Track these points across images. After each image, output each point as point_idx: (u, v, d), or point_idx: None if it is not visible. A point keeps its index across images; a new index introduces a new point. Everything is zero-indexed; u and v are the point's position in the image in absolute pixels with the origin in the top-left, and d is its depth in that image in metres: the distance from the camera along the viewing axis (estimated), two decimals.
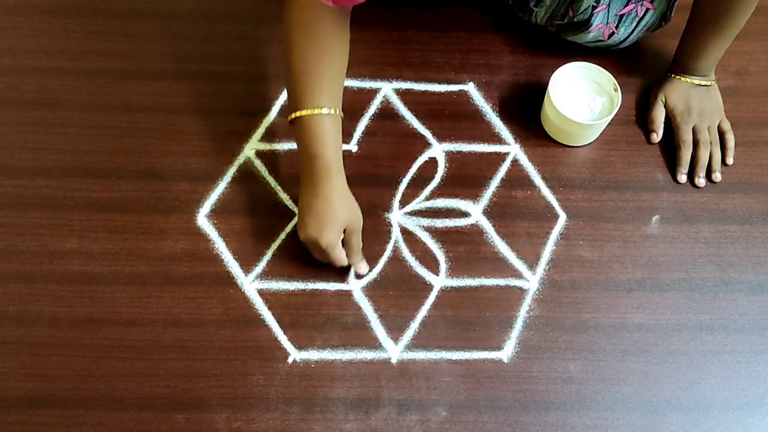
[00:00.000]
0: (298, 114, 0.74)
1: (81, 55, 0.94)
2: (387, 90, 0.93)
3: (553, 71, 0.86)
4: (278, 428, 0.74)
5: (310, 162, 0.75)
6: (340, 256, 0.78)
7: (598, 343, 0.79)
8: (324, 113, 0.74)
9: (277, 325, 0.79)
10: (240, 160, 0.88)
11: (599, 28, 0.87)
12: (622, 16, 0.86)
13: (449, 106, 0.93)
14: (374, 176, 0.87)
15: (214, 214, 0.84)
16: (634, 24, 0.88)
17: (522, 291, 0.82)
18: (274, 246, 0.83)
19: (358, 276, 0.81)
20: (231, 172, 0.87)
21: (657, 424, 0.76)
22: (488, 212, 0.86)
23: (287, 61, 0.75)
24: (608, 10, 0.86)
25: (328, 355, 0.78)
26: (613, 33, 0.88)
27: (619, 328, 0.80)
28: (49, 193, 0.85)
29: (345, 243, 0.78)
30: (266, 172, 0.87)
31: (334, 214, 0.76)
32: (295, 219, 0.84)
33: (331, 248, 0.76)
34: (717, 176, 0.89)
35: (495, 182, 0.88)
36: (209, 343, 0.77)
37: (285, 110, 0.75)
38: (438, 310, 0.80)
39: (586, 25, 0.87)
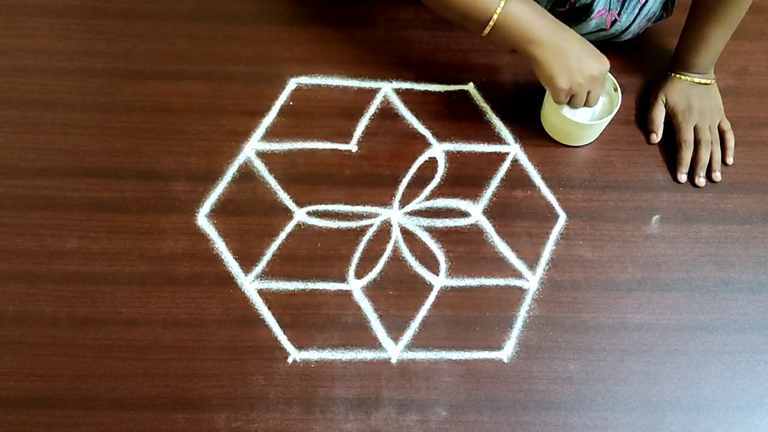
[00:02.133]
0: (494, 20, 0.75)
1: (81, 55, 0.94)
2: (387, 90, 0.93)
3: None
4: (278, 428, 0.74)
5: (536, 35, 0.76)
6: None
7: (598, 343, 0.79)
8: (507, 2, 0.75)
9: (277, 325, 0.79)
10: (240, 160, 0.88)
11: (601, 14, 0.86)
12: (624, 2, 0.86)
13: (449, 106, 0.93)
14: (374, 176, 0.88)
15: (214, 214, 0.84)
16: (636, 11, 0.87)
17: (522, 291, 0.82)
18: (274, 246, 0.83)
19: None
20: (231, 172, 0.87)
21: (657, 424, 0.76)
22: (488, 212, 0.86)
23: None
24: None
25: (328, 355, 0.78)
26: (615, 21, 0.88)
27: (619, 328, 0.80)
28: (49, 193, 0.85)
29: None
30: (266, 172, 0.87)
31: (589, 47, 0.79)
32: (294, 220, 0.84)
33: (607, 65, 0.80)
34: (717, 176, 0.89)
35: (495, 182, 0.88)
36: (209, 343, 0.78)
37: (474, 26, 0.77)
38: (438, 310, 0.80)
39: (587, 11, 0.86)
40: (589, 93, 0.81)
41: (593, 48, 0.80)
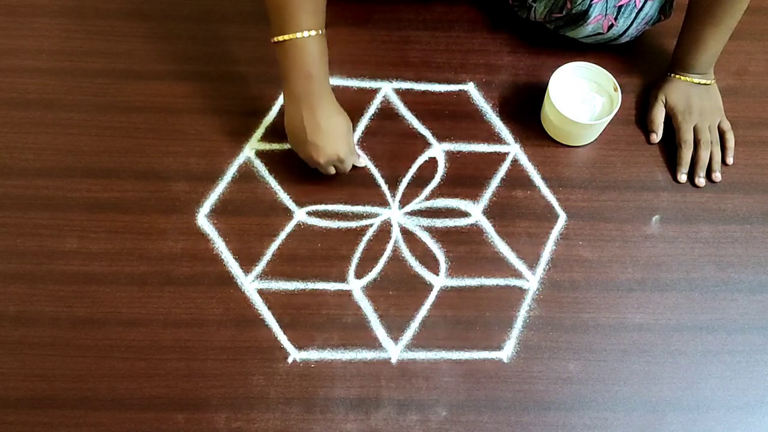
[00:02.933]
0: (286, 37, 0.74)
1: (81, 55, 0.94)
2: (387, 90, 0.93)
3: (553, 71, 0.86)
4: (278, 428, 0.74)
5: (305, 83, 0.76)
6: (355, 159, 0.84)
7: (598, 343, 0.79)
8: (313, 35, 0.74)
9: (277, 325, 0.79)
10: (240, 160, 0.88)
11: (598, 19, 0.87)
12: (620, 7, 0.86)
13: (449, 106, 0.93)
14: (374, 176, 0.87)
15: (214, 214, 0.84)
16: (633, 16, 0.87)
17: (522, 291, 0.82)
18: (274, 246, 0.83)
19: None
20: (231, 172, 0.87)
21: (657, 424, 0.76)
22: (488, 212, 0.86)
23: None
24: (606, 1, 0.86)
25: (328, 355, 0.78)
26: (612, 25, 0.88)
27: (619, 328, 0.80)
28: (49, 193, 0.85)
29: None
30: (266, 172, 0.87)
31: (345, 126, 0.80)
32: (294, 220, 0.84)
33: (350, 156, 0.81)
34: (717, 176, 0.89)
35: (495, 182, 0.88)
36: (209, 343, 0.78)
37: (272, 30, 0.75)
38: (438, 310, 0.80)
39: (584, 16, 0.86)
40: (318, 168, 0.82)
41: (337, 129, 0.79)
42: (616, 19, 0.87)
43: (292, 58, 0.75)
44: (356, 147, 0.85)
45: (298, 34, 0.73)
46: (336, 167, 0.82)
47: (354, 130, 0.90)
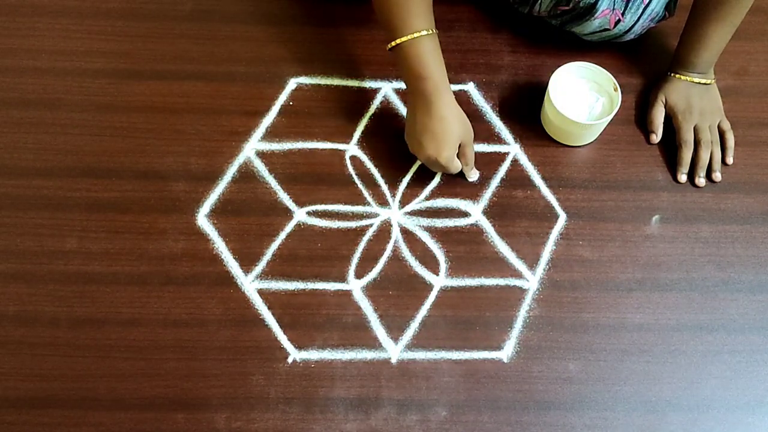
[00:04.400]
0: (398, 42, 0.77)
1: (81, 55, 0.94)
2: (387, 90, 0.93)
3: (553, 71, 0.86)
4: (278, 428, 0.74)
5: (419, 84, 0.78)
6: (457, 167, 0.83)
7: (598, 343, 0.79)
8: (422, 35, 0.76)
9: (277, 325, 0.79)
10: (240, 160, 0.88)
11: (605, 14, 0.86)
12: (628, 2, 0.86)
13: None
14: (374, 176, 0.88)
15: (214, 214, 0.84)
16: (640, 11, 0.87)
17: (522, 291, 0.82)
18: (274, 246, 0.83)
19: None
20: (231, 172, 0.87)
21: (657, 424, 0.76)
22: (488, 212, 0.86)
23: None
24: None
25: (328, 355, 0.78)
26: (618, 21, 0.88)
27: (619, 328, 0.80)
28: (49, 193, 0.85)
29: (460, 155, 0.83)
30: (266, 172, 0.87)
31: (450, 131, 0.79)
32: (294, 220, 0.84)
33: (449, 163, 0.81)
34: (717, 176, 0.89)
35: (495, 182, 0.88)
36: (209, 343, 0.78)
37: (383, 38, 0.79)
38: (438, 310, 0.80)
39: (591, 11, 0.86)
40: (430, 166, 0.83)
41: (450, 132, 0.79)
42: (623, 14, 0.87)
43: (405, 59, 0.78)
44: (472, 167, 0.86)
45: (409, 36, 0.76)
46: (437, 168, 0.83)
47: (354, 130, 0.90)
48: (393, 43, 0.78)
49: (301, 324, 0.79)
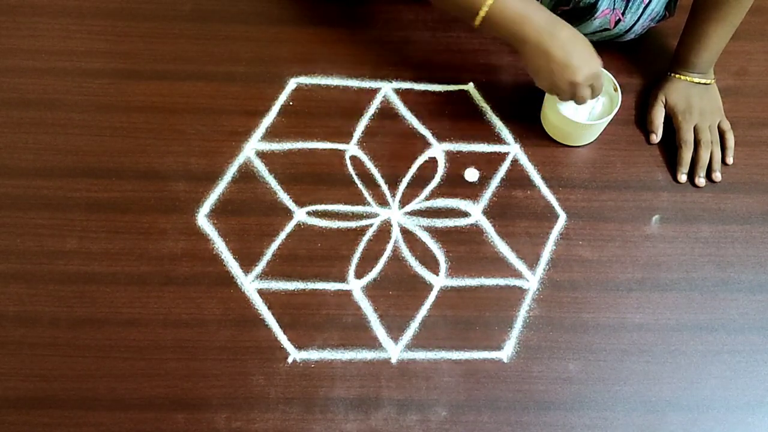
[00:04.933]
0: (485, 11, 0.75)
1: (81, 55, 0.94)
2: (387, 90, 0.93)
3: None
4: (278, 428, 0.74)
5: (527, 28, 0.75)
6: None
7: (598, 343, 0.79)
8: None
9: (277, 325, 0.79)
10: (240, 160, 0.88)
11: (605, 14, 0.86)
12: (628, 2, 0.86)
13: (449, 106, 0.93)
14: (374, 176, 0.88)
15: (214, 214, 0.84)
16: (640, 11, 0.87)
17: (522, 291, 0.82)
18: (274, 246, 0.83)
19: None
20: (231, 172, 0.87)
21: (657, 424, 0.76)
22: (488, 212, 0.86)
23: None
24: None
25: (328, 355, 0.78)
26: (619, 20, 0.88)
27: (619, 328, 0.80)
28: (49, 193, 0.85)
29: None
30: (266, 172, 0.87)
31: (588, 44, 0.78)
32: (294, 220, 0.84)
33: (599, 76, 0.79)
34: (717, 176, 0.89)
35: (495, 182, 0.88)
36: (209, 343, 0.78)
37: (467, 16, 0.78)
38: (438, 310, 0.80)
39: (591, 11, 0.86)
40: (576, 93, 0.80)
41: (584, 49, 0.78)
42: (623, 14, 0.87)
43: (503, 18, 0.76)
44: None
45: (489, 1, 0.75)
46: (593, 87, 0.80)
47: (354, 130, 0.90)
48: (482, 12, 0.76)
49: (301, 324, 0.79)
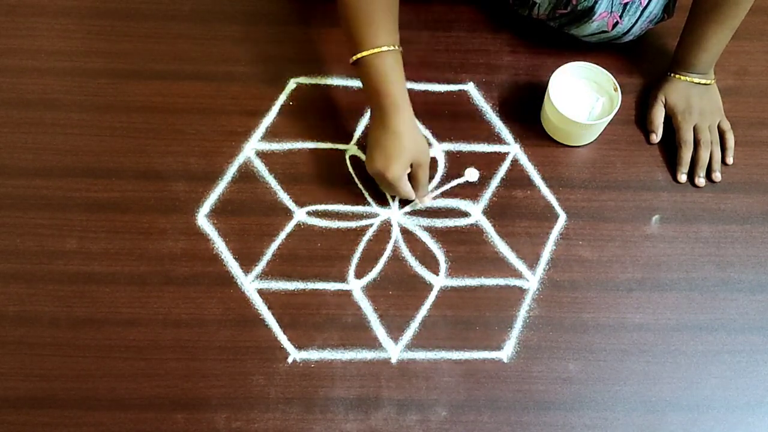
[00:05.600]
0: (360, 55, 0.76)
1: (81, 55, 0.94)
2: None
3: (553, 71, 0.86)
4: (278, 428, 0.74)
5: (377, 99, 0.78)
6: (406, 190, 0.81)
7: (598, 343, 0.79)
8: (384, 50, 0.76)
9: (277, 325, 0.79)
10: (240, 160, 0.88)
11: (603, 16, 0.86)
12: (626, 4, 0.86)
13: (449, 106, 0.93)
14: None
15: (214, 214, 0.84)
16: (638, 13, 0.87)
17: (522, 291, 0.82)
18: (274, 246, 0.83)
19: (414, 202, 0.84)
20: (231, 172, 0.87)
21: (657, 424, 0.76)
22: (488, 212, 0.86)
23: (342, 5, 0.76)
24: None
25: (328, 355, 0.78)
26: (617, 23, 0.88)
27: (619, 328, 0.80)
28: (49, 193, 0.85)
29: (411, 177, 0.81)
30: (266, 172, 0.87)
31: (402, 147, 0.78)
32: (294, 220, 0.84)
33: (397, 182, 0.79)
34: (717, 176, 0.89)
35: (495, 182, 0.88)
36: (209, 343, 0.78)
37: (349, 48, 0.78)
38: (438, 310, 0.80)
39: (589, 14, 0.86)
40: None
41: (404, 153, 0.78)
42: (621, 16, 0.87)
43: (367, 74, 0.77)
44: (427, 193, 0.84)
45: (371, 51, 0.76)
46: (387, 188, 0.82)
47: (354, 130, 0.90)
48: (355, 57, 0.77)
49: (301, 324, 0.79)
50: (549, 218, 0.86)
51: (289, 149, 0.89)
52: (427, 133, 0.90)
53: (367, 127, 0.90)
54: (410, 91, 0.92)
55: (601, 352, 0.79)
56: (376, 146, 0.79)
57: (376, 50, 0.75)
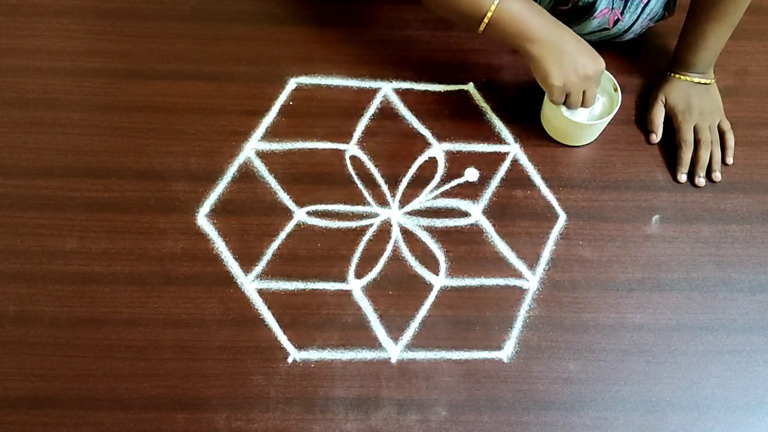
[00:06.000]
0: (487, 20, 0.76)
1: (81, 55, 0.94)
2: (387, 90, 0.93)
3: None
4: (278, 428, 0.74)
5: (534, 35, 0.76)
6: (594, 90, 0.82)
7: (598, 343, 0.79)
8: (500, 2, 0.76)
9: (277, 325, 0.79)
10: (240, 160, 0.88)
11: (604, 13, 0.86)
12: (627, 1, 0.86)
13: (449, 106, 0.93)
14: (374, 176, 0.88)
15: (214, 214, 0.84)
16: (639, 10, 0.87)
17: (522, 291, 0.82)
18: (274, 246, 0.83)
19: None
20: (231, 172, 0.87)
21: (657, 424, 0.76)
22: (488, 212, 0.86)
23: None
24: None
25: (327, 354, 0.78)
26: (617, 20, 0.88)
27: (619, 328, 0.80)
28: (49, 193, 0.85)
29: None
30: (266, 172, 0.87)
31: (586, 47, 0.79)
32: (294, 220, 0.84)
33: (599, 75, 0.81)
34: (717, 176, 0.89)
35: (495, 182, 0.88)
36: (209, 343, 0.78)
37: (470, 23, 0.78)
38: (438, 310, 0.80)
39: (590, 10, 0.86)
40: (585, 92, 0.81)
41: (589, 47, 0.80)
42: (622, 13, 0.87)
43: (508, 22, 0.76)
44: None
45: (492, 7, 0.75)
46: (586, 93, 0.81)
47: (354, 130, 0.90)
48: (487, 17, 0.76)
49: (301, 324, 0.79)
50: (549, 218, 0.86)
51: (289, 149, 0.89)
52: (427, 133, 0.90)
53: (367, 127, 0.90)
54: (410, 91, 0.93)
55: (601, 352, 0.79)
56: (561, 58, 0.77)
57: (496, 3, 0.75)
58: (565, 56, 0.78)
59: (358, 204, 0.86)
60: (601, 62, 0.80)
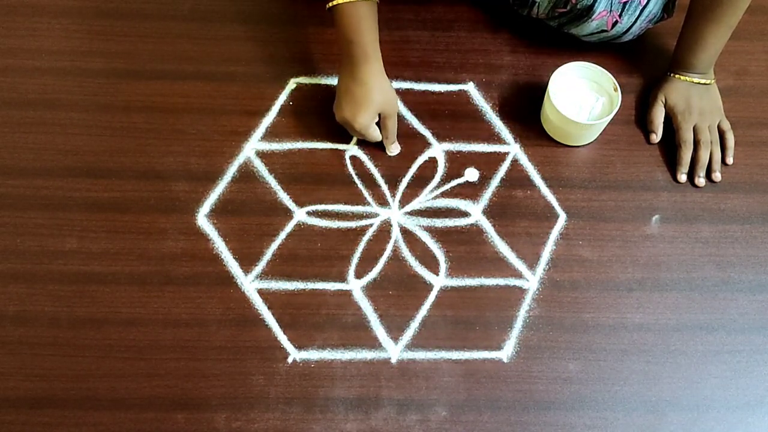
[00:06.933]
0: (335, 2, 0.77)
1: (81, 55, 0.94)
2: None
3: (553, 71, 0.86)
4: (278, 428, 0.74)
5: (348, 47, 0.80)
6: (374, 135, 0.85)
7: (598, 343, 0.79)
8: (359, 1, 0.77)
9: (277, 325, 0.79)
10: (240, 160, 0.88)
11: (602, 15, 0.86)
12: (625, 3, 0.86)
13: (449, 106, 0.93)
14: (374, 176, 0.88)
15: (214, 214, 0.84)
16: (637, 13, 0.87)
17: (522, 291, 0.82)
18: (274, 246, 0.83)
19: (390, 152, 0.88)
20: (231, 172, 0.87)
21: (657, 424, 0.76)
22: (488, 212, 0.86)
23: None
24: None
25: (327, 354, 0.78)
26: (616, 22, 0.88)
27: (619, 328, 0.80)
28: (49, 193, 0.85)
29: (381, 126, 0.85)
30: (266, 172, 0.87)
31: (369, 98, 0.81)
32: (294, 220, 0.84)
33: (365, 130, 0.83)
34: (717, 176, 0.89)
35: (495, 182, 0.88)
36: (209, 343, 0.78)
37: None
38: (438, 310, 0.80)
39: (588, 12, 0.86)
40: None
41: (369, 98, 0.81)
42: (620, 15, 0.87)
43: (340, 21, 0.79)
44: (393, 141, 0.88)
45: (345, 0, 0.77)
46: (356, 134, 0.85)
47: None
48: (331, 3, 0.78)
49: (301, 324, 0.79)
50: (549, 218, 0.86)
51: (289, 149, 0.89)
52: (427, 133, 0.90)
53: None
54: (410, 91, 0.93)
55: (601, 352, 0.79)
56: (345, 95, 0.82)
57: (345, 1, 0.76)
58: (344, 89, 0.82)
59: (358, 204, 0.86)
60: (362, 119, 0.81)
